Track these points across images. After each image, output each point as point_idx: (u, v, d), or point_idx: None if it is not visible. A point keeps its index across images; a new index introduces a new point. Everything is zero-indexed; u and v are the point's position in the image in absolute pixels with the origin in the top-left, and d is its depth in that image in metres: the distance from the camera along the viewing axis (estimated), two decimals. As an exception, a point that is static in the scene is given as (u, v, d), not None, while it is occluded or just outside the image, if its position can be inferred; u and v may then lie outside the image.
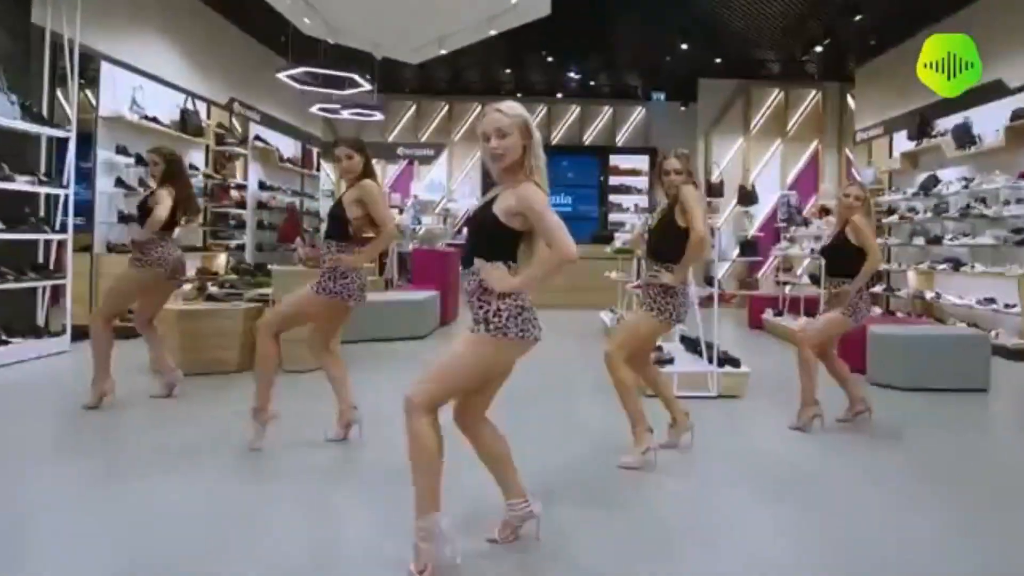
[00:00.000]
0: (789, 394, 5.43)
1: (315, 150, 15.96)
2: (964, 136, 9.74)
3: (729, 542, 3.35)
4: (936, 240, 10.34)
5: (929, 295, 10.42)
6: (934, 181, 10.43)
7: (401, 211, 14.01)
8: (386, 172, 17.45)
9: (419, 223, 13.59)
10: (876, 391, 6.36)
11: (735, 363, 6.46)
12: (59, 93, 8.43)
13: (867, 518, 3.62)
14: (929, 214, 10.55)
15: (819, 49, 13.18)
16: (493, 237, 2.85)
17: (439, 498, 2.77)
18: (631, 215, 17.60)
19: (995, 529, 3.55)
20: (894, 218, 11.55)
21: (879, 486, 4.18)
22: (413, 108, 18.16)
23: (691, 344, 6.87)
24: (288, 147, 14.60)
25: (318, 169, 16.17)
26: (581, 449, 4.67)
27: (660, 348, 6.74)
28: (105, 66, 9.13)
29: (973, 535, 3.48)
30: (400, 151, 17.06)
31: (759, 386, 6.43)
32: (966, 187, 9.73)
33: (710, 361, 6.26)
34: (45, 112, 8.09)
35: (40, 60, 8.14)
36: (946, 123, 10.60)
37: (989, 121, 9.64)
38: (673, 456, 4.50)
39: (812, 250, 10.61)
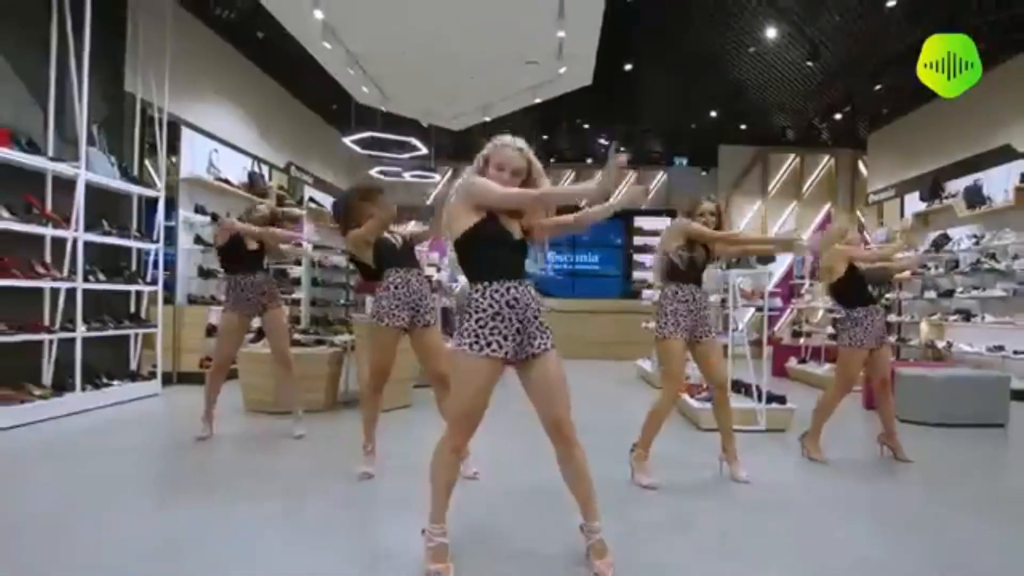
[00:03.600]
0: (832, 428, 5.86)
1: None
2: (975, 197, 10.58)
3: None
4: (948, 293, 11.12)
5: (941, 344, 11.14)
6: (945, 239, 11.26)
7: (439, 269, 14.69)
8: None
9: (456, 281, 14.28)
10: (903, 426, 6.98)
11: (781, 400, 7.13)
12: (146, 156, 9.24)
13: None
14: (941, 269, 11.33)
15: (838, 116, 14.07)
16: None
17: None
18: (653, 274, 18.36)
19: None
20: (906, 273, 12.20)
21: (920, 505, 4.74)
22: (450, 172, 18.80)
23: (735, 385, 7.42)
24: (336, 209, 15.04)
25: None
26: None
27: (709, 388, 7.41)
28: (185, 131, 9.90)
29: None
30: (439, 212, 17.54)
31: (804, 422, 7.01)
32: (977, 244, 10.53)
33: (758, 399, 6.95)
34: (136, 173, 8.82)
35: (132, 126, 8.87)
36: (956, 185, 11.46)
37: (998, 183, 10.44)
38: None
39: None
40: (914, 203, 12.63)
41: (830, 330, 11.63)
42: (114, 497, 4.38)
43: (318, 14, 8.19)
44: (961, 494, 4.87)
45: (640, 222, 19.07)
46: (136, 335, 8.71)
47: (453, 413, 3.20)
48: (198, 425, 6.06)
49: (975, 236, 10.73)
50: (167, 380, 8.96)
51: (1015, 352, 9.74)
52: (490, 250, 3.15)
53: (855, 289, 5.67)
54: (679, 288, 4.86)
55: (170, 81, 9.09)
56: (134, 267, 8.76)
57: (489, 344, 3.07)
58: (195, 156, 10.18)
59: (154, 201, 8.93)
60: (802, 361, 11.50)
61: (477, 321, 3.08)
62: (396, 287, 4.81)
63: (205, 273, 9.96)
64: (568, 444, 3.16)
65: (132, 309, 8.71)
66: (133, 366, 8.65)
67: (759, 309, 8.47)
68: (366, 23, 8.77)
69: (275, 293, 6.24)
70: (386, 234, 4.97)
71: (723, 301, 8.24)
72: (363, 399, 5.10)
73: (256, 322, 6.65)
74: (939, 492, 4.96)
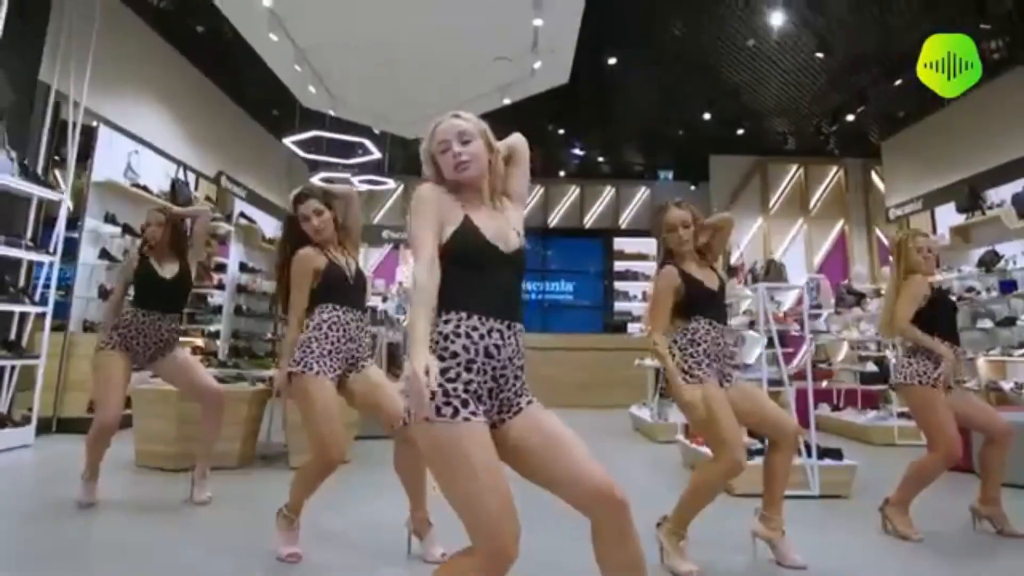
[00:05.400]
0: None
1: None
2: (1029, 204, 8.96)
3: None
4: (1007, 322, 9.35)
5: (1008, 386, 9.19)
6: (995, 256, 9.55)
7: (385, 299, 12.99)
8: (370, 257, 16.46)
9: (404, 312, 12.59)
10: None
11: (836, 455, 5.47)
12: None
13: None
14: (994, 293, 9.56)
15: (850, 118, 12.51)
16: None
17: None
18: (640, 304, 16.14)
19: None
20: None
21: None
22: (401, 189, 16.89)
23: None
24: (269, 226, 13.32)
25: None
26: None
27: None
28: (102, 129, 8.54)
29: None
30: (385, 234, 15.79)
31: (867, 484, 5.38)
32: (1039, 260, 8.77)
33: (808, 453, 5.27)
34: (40, 172, 7.48)
35: (41, 118, 7.67)
36: (999, 194, 9.89)
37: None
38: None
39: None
40: (948, 215, 10.97)
41: (868, 367, 9.66)
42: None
43: (266, 1, 7.49)
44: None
45: (621, 244, 17.39)
46: (12, 368, 7.00)
47: (478, 535, 2.06)
48: (80, 487, 4.63)
49: (1034, 251, 9.00)
50: (44, 428, 7.22)
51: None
52: (465, 269, 2.27)
53: (941, 318, 4.39)
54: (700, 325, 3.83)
55: (92, 72, 7.95)
56: (21, 283, 7.22)
57: (465, 404, 2.10)
58: (112, 157, 8.73)
59: (57, 206, 7.39)
60: (836, 408, 9.46)
61: (443, 372, 2.11)
62: (331, 328, 3.74)
63: (108, 294, 8.23)
64: (621, 510, 2.15)
65: (12, 335, 7.08)
66: (3, 408, 6.91)
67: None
68: (317, 12, 7.96)
69: (177, 341, 4.90)
70: (337, 255, 3.93)
71: (751, 324, 6.63)
72: (306, 474, 3.70)
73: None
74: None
